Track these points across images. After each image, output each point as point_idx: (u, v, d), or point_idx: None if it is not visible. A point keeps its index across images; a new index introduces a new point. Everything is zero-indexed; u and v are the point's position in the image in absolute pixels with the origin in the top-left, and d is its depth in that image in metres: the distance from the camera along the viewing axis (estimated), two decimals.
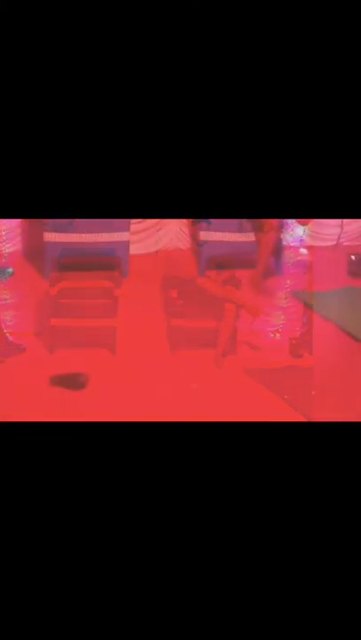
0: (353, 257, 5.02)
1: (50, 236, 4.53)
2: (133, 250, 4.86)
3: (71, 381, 3.22)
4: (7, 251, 4.97)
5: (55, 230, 4.48)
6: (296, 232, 5.34)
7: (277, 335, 4.94)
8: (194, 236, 5.12)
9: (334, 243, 5.53)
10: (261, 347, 5.21)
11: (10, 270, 4.62)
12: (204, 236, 4.90)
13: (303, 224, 4.94)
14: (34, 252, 4.90)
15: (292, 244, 5.29)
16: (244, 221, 4.82)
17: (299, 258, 5.21)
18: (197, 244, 5.04)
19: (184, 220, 5.36)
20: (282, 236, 4.88)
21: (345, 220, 5.47)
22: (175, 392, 3.51)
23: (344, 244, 5.52)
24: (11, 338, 4.41)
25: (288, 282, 4.92)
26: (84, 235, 4.66)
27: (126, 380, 3.82)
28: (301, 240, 5.36)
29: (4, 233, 4.93)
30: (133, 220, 4.88)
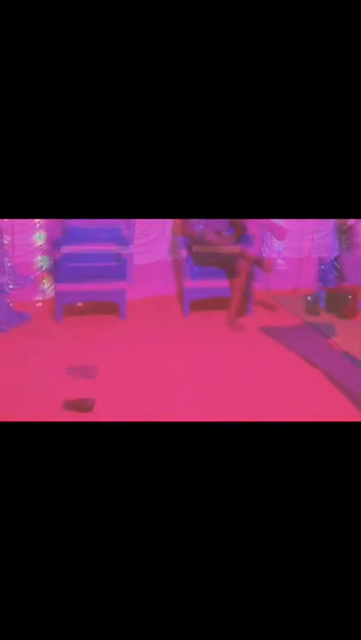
0: (322, 267, 5.57)
1: (64, 249, 5.19)
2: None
3: (79, 405, 3.43)
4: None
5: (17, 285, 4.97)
6: (274, 245, 6.05)
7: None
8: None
9: (307, 255, 6.24)
10: (278, 306, 5.47)
11: (31, 278, 5.27)
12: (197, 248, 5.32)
13: (279, 239, 5.58)
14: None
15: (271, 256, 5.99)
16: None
17: (278, 267, 5.93)
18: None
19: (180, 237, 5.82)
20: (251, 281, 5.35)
21: (316, 235, 6.20)
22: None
23: (315, 255, 6.22)
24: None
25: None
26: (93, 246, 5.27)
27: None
28: (279, 252, 6.15)
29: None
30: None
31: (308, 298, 5.50)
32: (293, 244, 6.20)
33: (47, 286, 5.58)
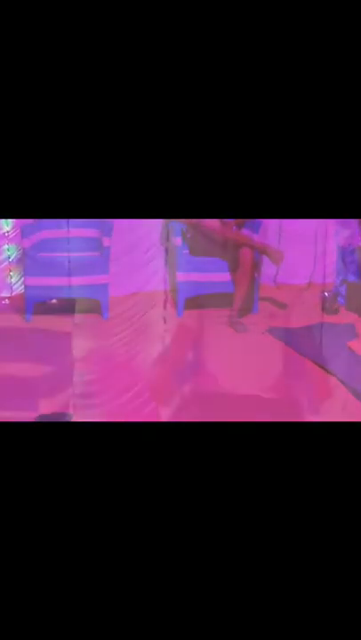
0: (326, 294, 5.13)
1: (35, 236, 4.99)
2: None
3: (58, 417, 3.35)
4: None
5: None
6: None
7: None
8: None
9: (308, 281, 5.70)
10: (288, 303, 5.08)
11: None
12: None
13: (276, 264, 5.10)
14: None
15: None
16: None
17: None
18: None
19: None
20: (256, 274, 5.01)
21: (317, 258, 5.65)
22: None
23: (317, 281, 5.69)
24: None
25: None
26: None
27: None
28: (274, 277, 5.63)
29: None
30: None
31: (326, 294, 5.17)
32: (309, 232, 5.69)
33: (15, 280, 5.17)
